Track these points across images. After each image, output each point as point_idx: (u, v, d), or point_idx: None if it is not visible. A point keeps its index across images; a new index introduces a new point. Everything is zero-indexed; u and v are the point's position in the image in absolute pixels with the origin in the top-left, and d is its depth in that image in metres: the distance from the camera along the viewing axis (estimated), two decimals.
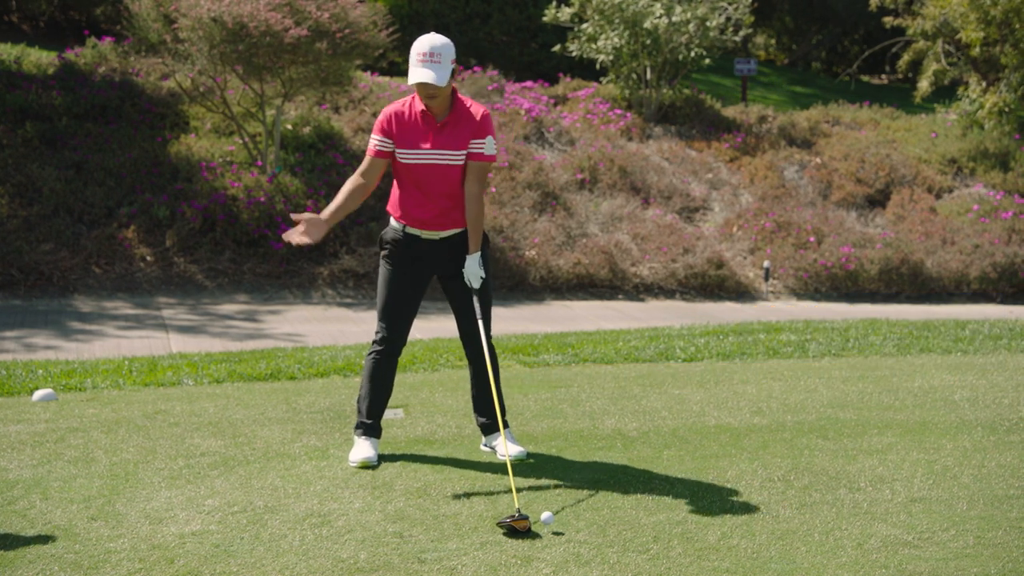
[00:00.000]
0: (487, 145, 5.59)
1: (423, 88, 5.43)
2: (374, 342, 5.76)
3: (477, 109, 5.62)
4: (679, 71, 20.12)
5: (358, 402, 5.82)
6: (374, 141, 5.60)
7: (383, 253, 5.73)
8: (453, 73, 5.49)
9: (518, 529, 4.67)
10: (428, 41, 5.42)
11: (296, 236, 5.49)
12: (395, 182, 5.71)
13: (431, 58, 5.39)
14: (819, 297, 16.26)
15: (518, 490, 5.22)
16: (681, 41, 19.39)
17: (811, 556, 4.46)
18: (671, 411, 7.01)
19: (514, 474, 5.49)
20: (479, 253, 5.64)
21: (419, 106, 5.57)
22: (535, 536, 4.66)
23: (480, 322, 5.64)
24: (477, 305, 5.64)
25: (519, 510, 4.78)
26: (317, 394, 7.57)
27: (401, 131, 5.56)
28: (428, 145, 5.54)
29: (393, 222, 5.71)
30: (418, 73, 5.39)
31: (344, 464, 5.68)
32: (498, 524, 4.73)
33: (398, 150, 5.58)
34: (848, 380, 8.11)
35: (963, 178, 19.28)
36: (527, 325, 12.38)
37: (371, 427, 5.78)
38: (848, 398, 7.44)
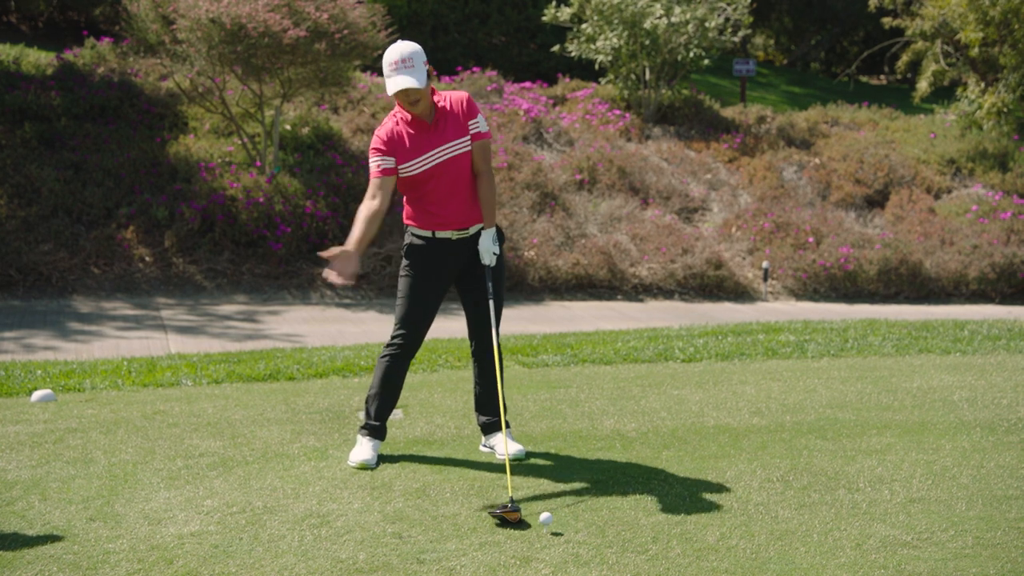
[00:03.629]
0: (480, 123, 5.67)
1: (405, 95, 5.48)
2: (390, 344, 5.75)
3: (458, 96, 5.68)
4: (678, 72, 20.12)
5: (366, 403, 5.82)
6: (377, 162, 5.59)
7: (406, 262, 5.74)
8: (428, 74, 5.54)
9: (509, 520, 4.68)
10: (398, 49, 5.49)
11: (333, 277, 5.47)
12: (408, 198, 5.71)
13: (404, 64, 5.45)
14: (818, 297, 16.27)
15: (516, 490, 5.23)
16: (680, 42, 19.39)
17: (810, 556, 4.46)
18: (670, 412, 7.01)
19: (513, 474, 5.50)
20: (493, 229, 5.68)
21: (406, 116, 5.60)
22: (534, 537, 4.66)
23: (491, 302, 5.65)
24: (489, 284, 5.65)
25: (512, 499, 4.79)
26: (316, 395, 7.57)
27: (401, 147, 5.58)
28: (431, 148, 5.57)
29: (416, 231, 5.71)
30: (398, 80, 5.45)
31: (343, 465, 5.68)
32: (490, 513, 4.75)
33: (403, 166, 5.59)
34: (847, 380, 8.12)
35: (962, 178, 19.28)
36: (526, 326, 12.38)
37: (378, 429, 5.78)
38: (847, 398, 7.44)
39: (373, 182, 5.61)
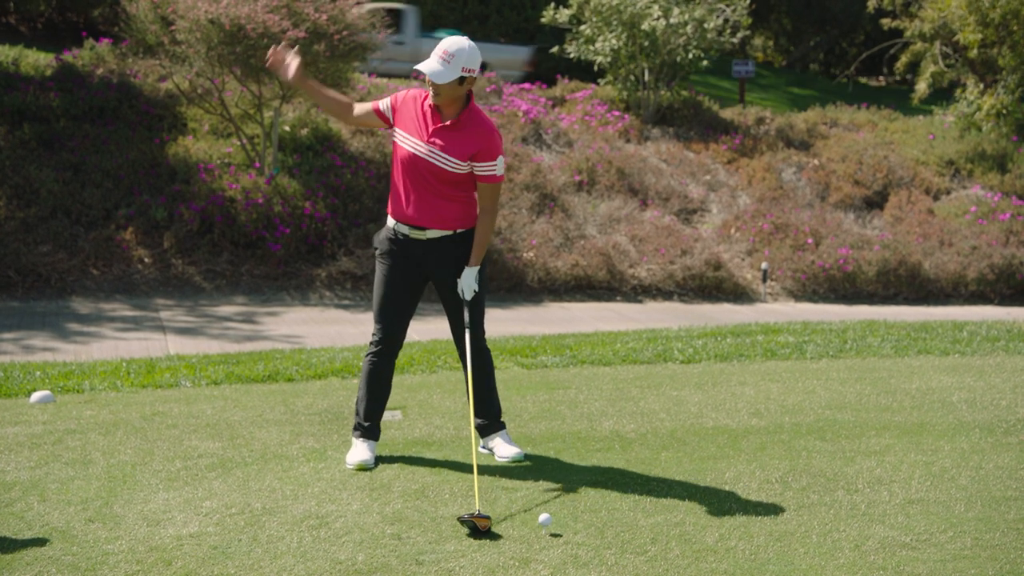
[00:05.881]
0: (496, 167, 5.61)
1: (430, 82, 5.51)
2: (371, 343, 5.78)
3: (487, 127, 5.60)
4: (677, 73, 20.12)
5: (356, 404, 5.83)
6: (381, 102, 5.73)
7: (377, 253, 5.79)
8: (465, 81, 5.50)
9: (479, 528, 4.66)
10: (451, 40, 5.53)
11: (273, 61, 5.73)
12: (392, 175, 5.77)
13: (444, 55, 5.46)
14: (817, 298, 16.27)
15: (515, 491, 5.24)
16: (679, 43, 19.40)
17: (809, 558, 4.47)
18: (669, 413, 7.01)
19: (512, 475, 5.51)
20: (478, 267, 5.66)
21: (432, 100, 5.60)
22: (533, 538, 4.66)
23: (467, 331, 5.66)
24: (467, 316, 5.66)
25: (479, 511, 4.79)
26: (315, 396, 7.57)
27: (406, 114, 5.63)
28: (427, 139, 5.58)
29: (388, 221, 5.77)
30: (426, 63, 5.49)
31: (342, 466, 5.68)
32: (459, 519, 4.73)
33: (396, 128, 5.65)
34: (846, 382, 8.12)
35: (961, 180, 19.29)
36: (525, 327, 12.38)
37: (369, 429, 5.79)
38: (846, 400, 7.44)
39: (366, 104, 5.80)
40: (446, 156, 5.56)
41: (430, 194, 5.60)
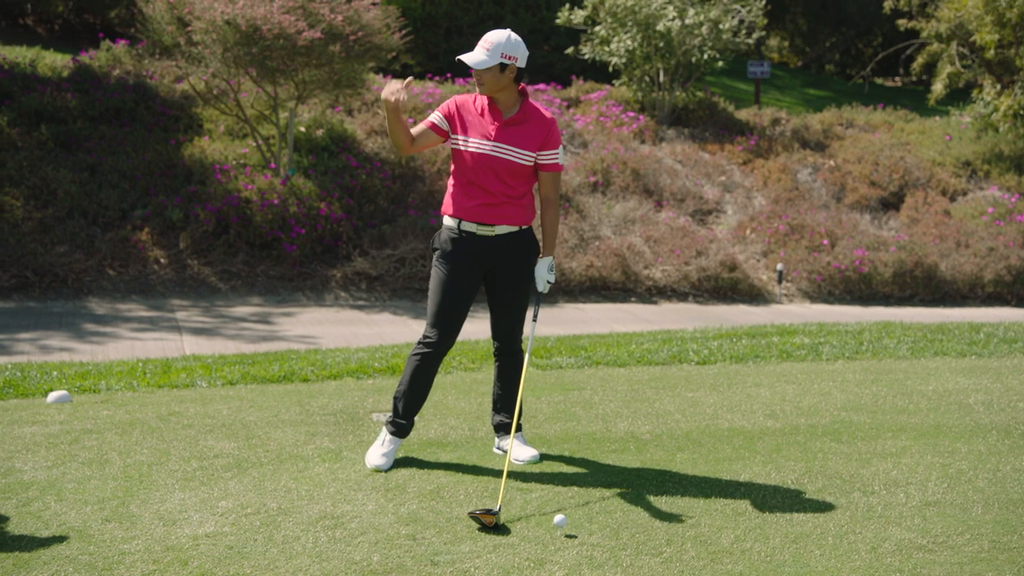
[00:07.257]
0: (558, 155, 5.73)
1: (474, 72, 5.59)
2: (422, 343, 5.72)
3: (549, 119, 5.71)
4: (692, 73, 20.10)
5: (395, 401, 5.80)
6: (433, 116, 5.69)
7: (437, 255, 5.75)
8: (507, 68, 5.56)
9: (484, 523, 4.71)
10: (493, 32, 5.64)
11: (386, 92, 5.48)
12: (451, 178, 5.75)
13: (483, 44, 5.58)
14: (832, 300, 16.22)
15: (530, 492, 5.24)
16: (694, 44, 19.37)
17: (825, 560, 4.45)
18: (684, 414, 7.00)
19: (527, 477, 5.51)
20: (551, 258, 5.73)
21: (486, 99, 5.66)
22: (548, 539, 4.66)
23: (532, 325, 5.74)
24: (532, 309, 5.71)
25: (499, 507, 4.83)
26: (330, 396, 7.59)
27: (465, 119, 5.66)
28: (492, 137, 5.62)
29: (448, 221, 5.72)
30: (468, 54, 5.57)
31: (357, 466, 5.68)
32: (468, 514, 4.80)
33: (456, 136, 5.65)
34: (862, 383, 8.09)
35: (977, 181, 19.21)
36: (539, 328, 12.36)
37: (404, 427, 5.77)
38: (862, 401, 7.42)
39: (420, 126, 5.70)
40: (516, 149, 5.63)
41: (498, 192, 5.65)
